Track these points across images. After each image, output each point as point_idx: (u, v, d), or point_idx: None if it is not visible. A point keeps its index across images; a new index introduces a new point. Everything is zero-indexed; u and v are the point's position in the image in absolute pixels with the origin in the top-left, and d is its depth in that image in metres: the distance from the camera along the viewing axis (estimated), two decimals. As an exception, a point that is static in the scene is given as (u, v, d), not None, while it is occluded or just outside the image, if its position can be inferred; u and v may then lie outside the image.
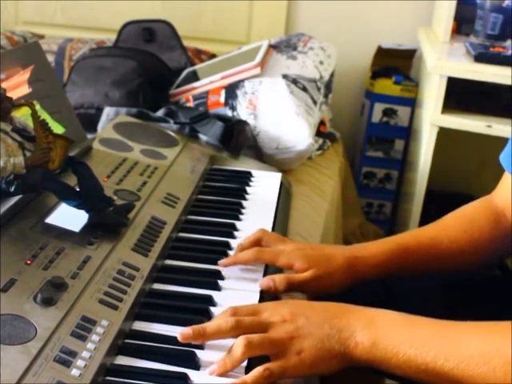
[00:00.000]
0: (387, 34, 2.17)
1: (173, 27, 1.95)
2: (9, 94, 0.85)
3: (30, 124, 0.87)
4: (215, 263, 0.94)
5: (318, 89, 1.67)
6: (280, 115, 1.49)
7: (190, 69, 1.81)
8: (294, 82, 1.58)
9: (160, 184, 1.11)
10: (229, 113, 1.53)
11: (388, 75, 2.09)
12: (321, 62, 1.74)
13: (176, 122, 1.45)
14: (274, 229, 1.10)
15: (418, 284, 1.08)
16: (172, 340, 0.75)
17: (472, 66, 1.66)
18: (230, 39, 2.22)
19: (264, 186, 1.28)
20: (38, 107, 1.04)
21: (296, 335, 0.73)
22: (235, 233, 1.06)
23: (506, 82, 1.62)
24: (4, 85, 1.01)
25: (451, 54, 1.77)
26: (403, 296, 1.05)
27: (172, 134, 1.37)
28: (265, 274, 0.94)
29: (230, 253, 0.99)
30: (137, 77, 1.62)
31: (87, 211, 0.89)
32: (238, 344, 0.71)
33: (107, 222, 0.91)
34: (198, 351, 0.74)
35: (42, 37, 2.18)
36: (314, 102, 1.61)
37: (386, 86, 2.08)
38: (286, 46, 1.78)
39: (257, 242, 0.97)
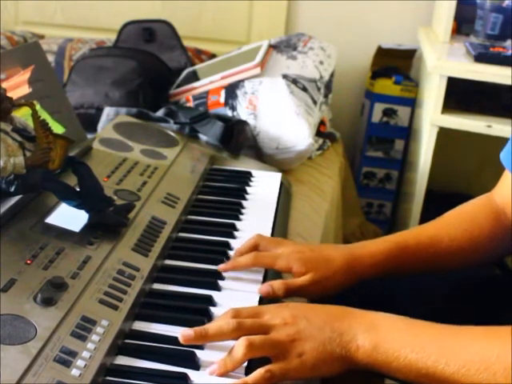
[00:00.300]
0: (387, 34, 2.17)
1: (173, 27, 1.95)
2: (9, 94, 0.85)
3: (30, 124, 0.87)
4: (215, 263, 0.94)
5: (318, 89, 1.67)
6: (280, 115, 1.49)
7: (189, 69, 1.81)
8: (294, 81, 1.58)
9: (160, 184, 1.11)
10: (229, 113, 1.53)
11: (388, 75, 2.09)
12: (321, 62, 1.74)
13: (176, 122, 1.45)
14: (273, 229, 1.10)
15: (418, 284, 1.07)
16: (172, 340, 0.75)
17: (472, 66, 1.66)
18: (230, 39, 2.23)
19: (264, 186, 1.28)
20: (38, 107, 1.04)
21: (297, 338, 0.73)
22: (235, 233, 1.06)
23: (506, 81, 1.62)
24: (4, 85, 1.01)
25: (451, 53, 1.77)
26: (402, 296, 1.05)
27: (172, 134, 1.37)
28: (265, 275, 0.94)
29: (230, 253, 0.98)
30: (137, 77, 1.62)
31: (87, 211, 0.89)
32: (239, 345, 0.71)
33: (107, 221, 0.91)
34: (197, 351, 0.74)
35: (42, 37, 2.18)
36: (314, 102, 1.61)
37: (386, 86, 2.08)
38: (286, 45, 1.78)
39: (254, 248, 0.97)
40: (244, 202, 1.18)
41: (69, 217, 0.89)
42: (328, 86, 1.80)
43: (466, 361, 0.69)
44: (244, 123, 1.47)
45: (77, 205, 0.89)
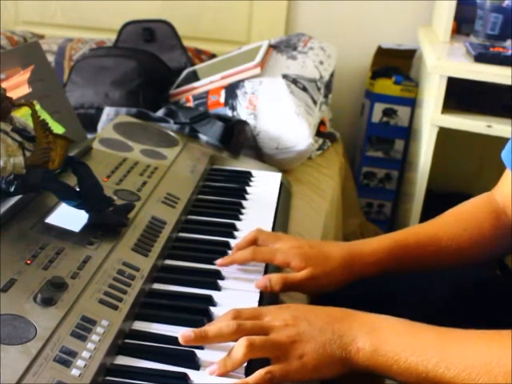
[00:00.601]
0: (387, 34, 2.17)
1: (173, 27, 1.95)
2: (9, 94, 0.85)
3: (30, 124, 0.87)
4: (215, 263, 0.94)
5: (318, 89, 1.67)
6: (280, 115, 1.49)
7: (190, 69, 1.81)
8: (294, 81, 1.58)
9: (160, 184, 1.11)
10: (229, 113, 1.53)
11: (388, 75, 2.09)
12: (321, 62, 1.74)
13: (176, 122, 1.45)
14: (274, 229, 1.10)
15: (418, 284, 1.07)
16: (172, 340, 0.75)
17: (472, 66, 1.66)
18: (230, 39, 2.22)
19: (264, 186, 1.28)
20: (38, 107, 1.04)
21: (298, 339, 0.73)
22: (235, 233, 1.06)
23: (506, 81, 1.62)
24: (4, 85, 1.01)
25: (451, 53, 1.77)
26: (402, 296, 1.05)
27: (172, 134, 1.37)
28: (265, 274, 0.94)
29: (230, 253, 0.98)
30: (137, 77, 1.62)
31: (87, 211, 0.89)
32: (240, 345, 0.71)
33: (107, 221, 0.91)
34: (197, 351, 0.74)
35: (42, 37, 2.18)
36: (314, 102, 1.61)
37: (386, 86, 2.08)
38: (286, 45, 1.78)
39: (253, 242, 0.97)
40: (244, 202, 1.18)
41: (69, 217, 0.89)
42: (328, 86, 1.80)
43: (466, 365, 0.68)
44: (244, 123, 1.47)
45: (77, 205, 0.89)
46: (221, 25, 2.24)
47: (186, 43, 1.97)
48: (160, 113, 1.49)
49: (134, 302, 0.79)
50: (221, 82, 1.57)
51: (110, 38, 2.05)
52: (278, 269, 0.96)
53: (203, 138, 1.42)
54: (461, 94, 1.76)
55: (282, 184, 1.31)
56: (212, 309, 0.83)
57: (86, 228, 0.89)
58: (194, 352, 0.73)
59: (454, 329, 0.73)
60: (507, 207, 1.00)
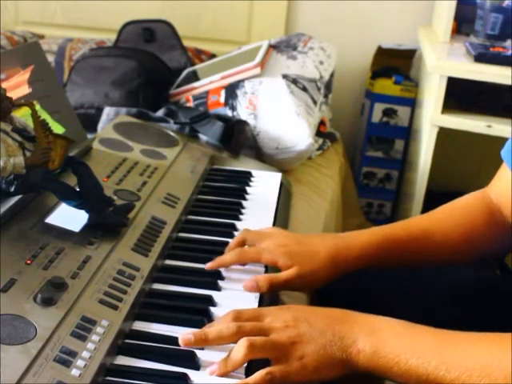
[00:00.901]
0: (387, 34, 2.17)
1: (173, 27, 1.95)
2: (9, 94, 0.85)
3: (30, 124, 0.87)
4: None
5: (318, 89, 1.67)
6: (280, 115, 1.49)
7: (190, 69, 1.81)
8: (294, 82, 1.58)
9: (160, 184, 1.11)
10: (229, 113, 1.53)
11: (388, 75, 2.09)
12: (321, 62, 1.74)
13: (176, 122, 1.45)
14: (273, 229, 1.10)
15: (417, 284, 1.07)
16: (172, 340, 0.75)
17: (472, 66, 1.66)
18: (229, 39, 2.22)
19: (264, 186, 1.28)
20: (38, 107, 1.04)
21: (298, 340, 0.73)
22: (235, 233, 1.05)
23: (506, 81, 1.62)
24: (4, 85, 1.01)
25: (451, 53, 1.77)
26: (402, 296, 1.05)
27: (172, 134, 1.37)
28: (266, 273, 0.94)
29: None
30: (137, 77, 1.62)
31: (87, 211, 0.89)
32: (240, 345, 0.71)
33: (107, 221, 0.91)
34: (197, 351, 0.74)
35: (42, 37, 2.18)
36: (314, 102, 1.61)
37: (386, 86, 2.08)
38: (286, 46, 1.78)
39: (242, 242, 0.97)
40: (244, 202, 1.18)
41: (69, 217, 0.89)
42: (328, 86, 1.80)
43: (466, 368, 0.68)
44: (244, 123, 1.47)
45: (77, 205, 0.89)
46: (221, 25, 2.24)
47: (185, 43, 1.97)
48: (160, 113, 1.49)
49: (133, 302, 0.79)
50: (221, 82, 1.57)
51: (110, 38, 2.05)
52: (279, 269, 0.96)
53: (203, 137, 1.42)
54: (461, 94, 1.76)
55: (282, 184, 1.31)
56: (212, 309, 0.83)
57: (86, 228, 0.89)
58: (193, 352, 0.73)
59: (454, 331, 0.73)
60: (501, 204, 0.99)
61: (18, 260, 0.78)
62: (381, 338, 0.73)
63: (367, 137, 2.13)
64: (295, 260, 0.91)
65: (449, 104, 1.70)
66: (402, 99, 2.07)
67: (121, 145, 1.22)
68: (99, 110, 1.51)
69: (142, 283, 0.84)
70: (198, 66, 1.82)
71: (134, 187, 1.06)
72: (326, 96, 1.78)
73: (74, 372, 0.65)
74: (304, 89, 1.59)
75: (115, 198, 0.99)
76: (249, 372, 0.72)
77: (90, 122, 1.44)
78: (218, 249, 0.99)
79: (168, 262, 0.95)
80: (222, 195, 1.20)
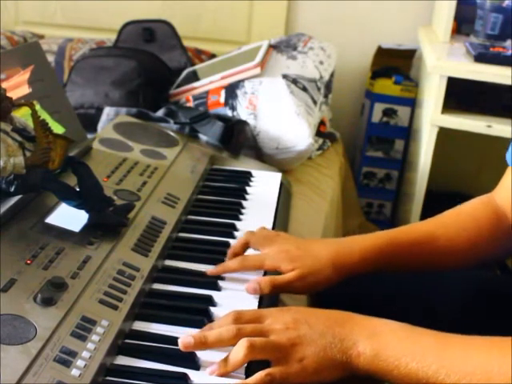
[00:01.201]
0: (387, 34, 2.17)
1: (173, 27, 1.95)
2: (9, 94, 0.85)
3: (30, 124, 0.87)
4: (215, 263, 0.94)
5: (318, 89, 1.67)
6: (280, 115, 1.49)
7: (190, 69, 1.81)
8: (294, 81, 1.58)
9: (160, 184, 1.11)
10: (229, 113, 1.53)
11: (388, 75, 2.09)
12: (321, 62, 1.74)
13: (176, 122, 1.44)
14: (273, 229, 1.10)
15: (418, 285, 1.07)
16: (172, 340, 0.75)
17: (472, 66, 1.66)
18: (230, 39, 2.23)
19: (264, 186, 1.28)
20: (37, 107, 1.04)
21: (298, 342, 0.73)
22: (235, 233, 1.06)
23: (506, 81, 1.62)
24: (4, 85, 1.01)
25: (451, 53, 1.77)
26: (403, 297, 1.05)
27: (172, 134, 1.37)
28: (265, 274, 0.94)
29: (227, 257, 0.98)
30: (137, 77, 1.62)
31: (87, 211, 0.89)
32: (241, 346, 0.71)
33: (107, 221, 0.91)
34: (197, 351, 0.74)
35: (42, 37, 2.18)
36: (314, 102, 1.61)
37: (386, 86, 2.08)
38: (286, 45, 1.78)
39: (245, 245, 0.97)
40: (244, 202, 1.18)
41: (69, 217, 0.89)
42: (328, 86, 1.80)
43: (466, 372, 0.68)
44: (244, 123, 1.47)
45: (77, 205, 0.89)
46: (221, 25, 2.24)
47: (185, 43, 1.97)
48: (160, 113, 1.49)
49: (133, 302, 0.79)
50: (221, 82, 1.57)
51: (110, 38, 2.05)
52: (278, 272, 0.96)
53: (203, 137, 1.42)
54: (461, 94, 1.76)
55: (281, 184, 1.31)
56: (212, 309, 0.83)
57: (86, 228, 0.89)
58: (194, 352, 0.73)
59: (454, 334, 0.73)
60: (507, 209, 0.99)
61: (18, 260, 0.78)
62: (381, 341, 0.73)
63: (367, 137, 2.13)
64: (297, 263, 0.91)
65: (449, 104, 1.70)
66: (402, 99, 2.07)
67: (121, 145, 1.22)
68: (99, 110, 1.51)
69: (142, 283, 0.84)
70: (198, 66, 1.82)
71: (134, 187, 1.06)
72: (326, 96, 1.78)
73: (74, 372, 0.65)
74: (304, 89, 1.59)
75: (115, 198, 0.99)
76: (249, 372, 0.72)
77: (90, 122, 1.44)
78: (218, 249, 0.99)
79: (168, 261, 0.95)
80: (222, 195, 1.20)
